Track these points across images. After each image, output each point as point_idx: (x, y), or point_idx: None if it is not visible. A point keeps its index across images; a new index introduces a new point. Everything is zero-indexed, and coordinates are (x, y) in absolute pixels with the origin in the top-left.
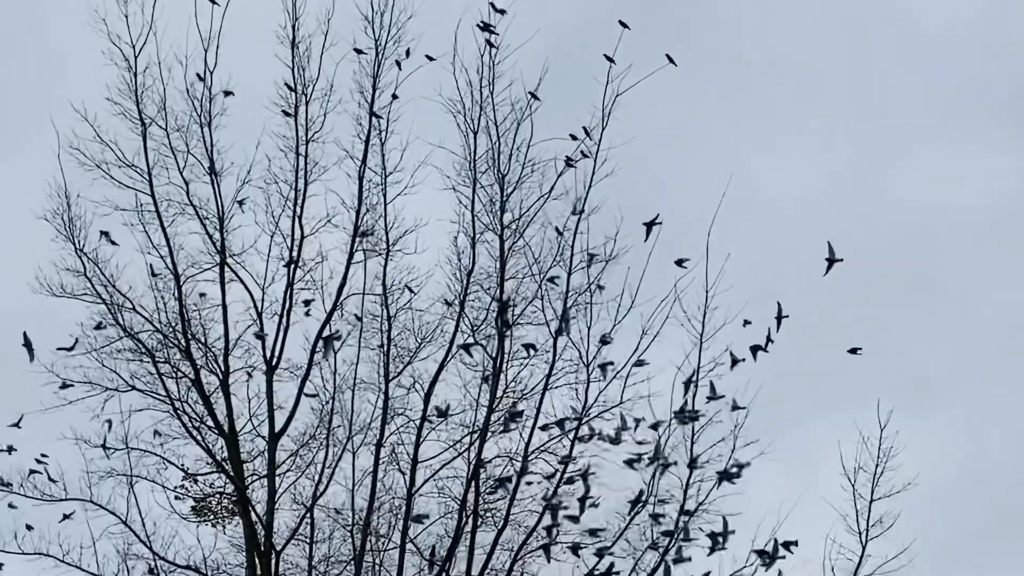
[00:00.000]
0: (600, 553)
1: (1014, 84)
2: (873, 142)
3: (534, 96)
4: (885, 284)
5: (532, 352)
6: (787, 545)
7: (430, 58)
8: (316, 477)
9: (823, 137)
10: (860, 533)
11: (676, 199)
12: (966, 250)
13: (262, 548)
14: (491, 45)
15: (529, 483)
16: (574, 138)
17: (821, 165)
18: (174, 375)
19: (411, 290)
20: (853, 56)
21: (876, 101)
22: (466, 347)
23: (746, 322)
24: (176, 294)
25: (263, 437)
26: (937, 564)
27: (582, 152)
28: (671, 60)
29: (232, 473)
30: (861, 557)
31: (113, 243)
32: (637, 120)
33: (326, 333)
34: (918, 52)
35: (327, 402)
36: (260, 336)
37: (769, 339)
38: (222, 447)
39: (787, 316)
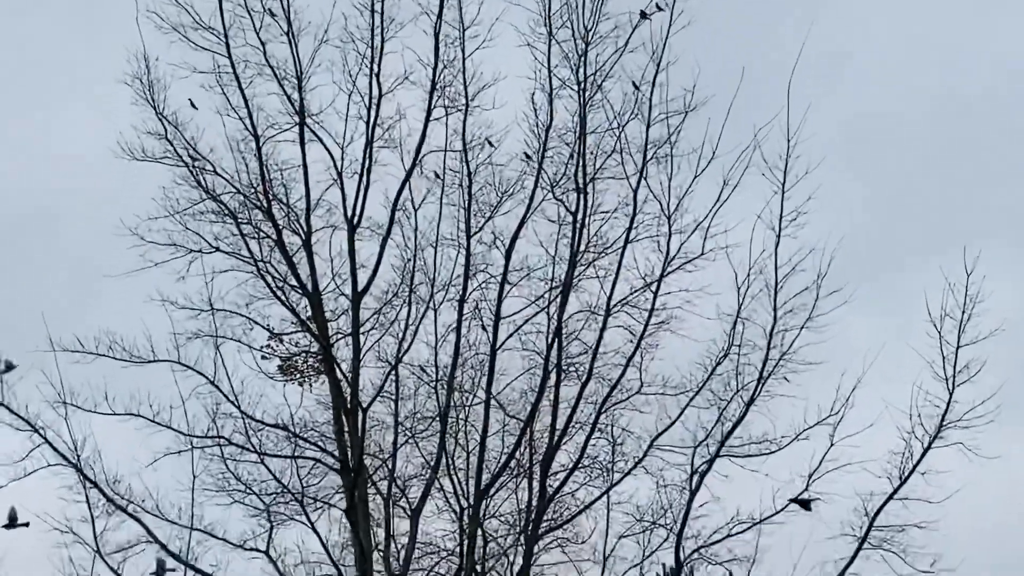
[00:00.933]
0: None
1: None
2: None
3: None
4: (980, 128)
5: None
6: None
7: None
8: (400, 335)
9: None
10: (946, 380)
11: (756, 49)
12: None
13: (348, 406)
14: None
15: None
16: None
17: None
18: (257, 236)
19: (491, 143)
20: None
21: None
22: None
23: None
24: (256, 155)
25: (346, 296)
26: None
27: (657, 5)
28: None
29: (317, 332)
30: (948, 404)
31: (193, 106)
32: None
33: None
34: None
35: (409, 260)
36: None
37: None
38: (306, 306)
39: None
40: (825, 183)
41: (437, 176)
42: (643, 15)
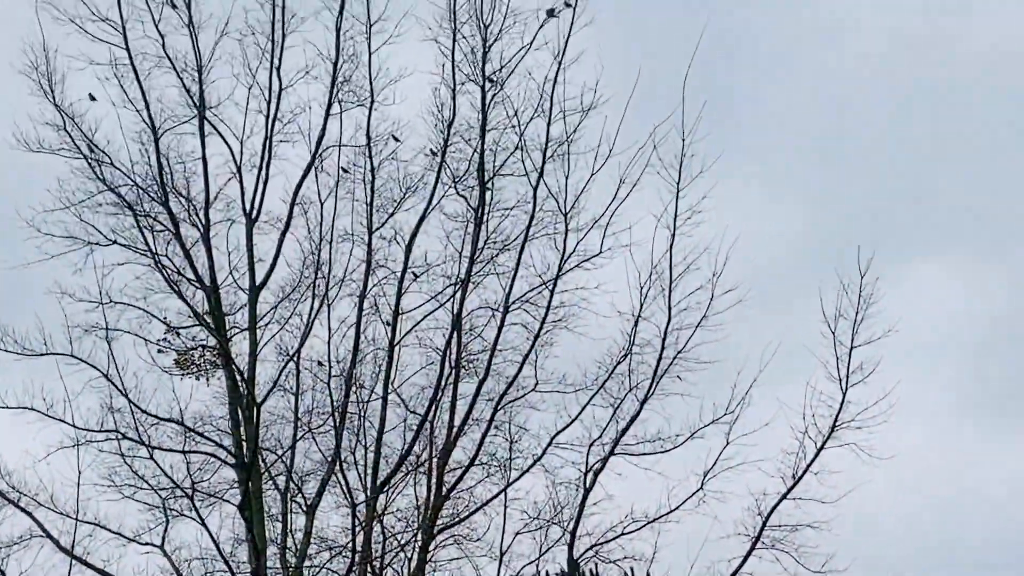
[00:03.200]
0: None
1: None
2: None
3: None
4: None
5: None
6: None
7: None
8: (299, 329)
9: None
10: (840, 380)
11: (659, 47)
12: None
13: (244, 400)
14: None
15: None
16: None
17: None
18: (154, 228)
19: (396, 139)
20: None
21: None
22: None
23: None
24: (155, 148)
25: (244, 290)
26: (917, 412)
27: (565, 2)
28: None
29: (213, 326)
30: (841, 404)
31: (92, 99)
32: None
33: None
34: None
35: (310, 254)
36: None
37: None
38: (203, 300)
39: None
40: (721, 182)
41: (344, 171)
42: (550, 13)
